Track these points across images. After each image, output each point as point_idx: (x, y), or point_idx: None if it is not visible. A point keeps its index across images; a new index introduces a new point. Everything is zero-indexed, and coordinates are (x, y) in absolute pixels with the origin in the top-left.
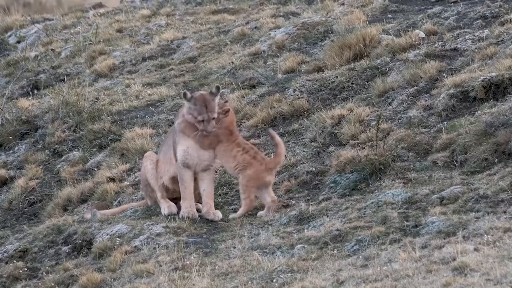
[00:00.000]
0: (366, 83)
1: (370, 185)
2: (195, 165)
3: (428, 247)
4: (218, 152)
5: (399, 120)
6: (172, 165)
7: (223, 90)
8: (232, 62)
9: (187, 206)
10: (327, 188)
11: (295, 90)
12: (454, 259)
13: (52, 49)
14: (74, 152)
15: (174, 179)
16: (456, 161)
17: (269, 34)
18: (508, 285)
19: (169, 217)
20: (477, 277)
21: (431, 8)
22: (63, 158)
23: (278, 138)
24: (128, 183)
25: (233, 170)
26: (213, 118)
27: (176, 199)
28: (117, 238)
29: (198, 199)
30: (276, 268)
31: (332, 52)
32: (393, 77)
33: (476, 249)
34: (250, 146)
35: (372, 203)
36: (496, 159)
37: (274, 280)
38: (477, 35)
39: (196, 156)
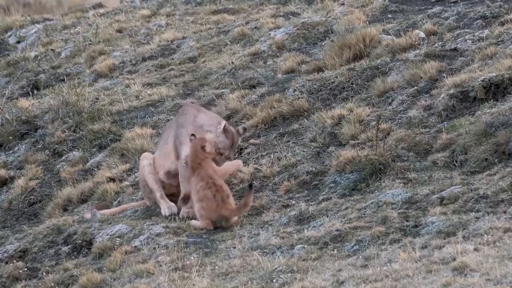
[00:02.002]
0: (366, 83)
1: (370, 185)
2: None
3: (428, 247)
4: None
5: (399, 120)
6: (167, 160)
7: (223, 90)
8: (232, 62)
9: (188, 206)
10: (327, 188)
11: (295, 90)
12: (454, 259)
13: (52, 49)
14: (74, 152)
15: (169, 174)
16: (456, 161)
17: (269, 34)
18: (508, 285)
19: (169, 217)
20: (477, 277)
21: (431, 8)
22: (63, 158)
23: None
24: (128, 183)
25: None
26: (228, 158)
27: (173, 195)
28: (117, 238)
29: None
30: (276, 268)
31: (332, 52)
32: (393, 77)
33: (476, 249)
34: None
35: (372, 203)
36: (496, 159)
37: (274, 280)
38: (477, 35)
39: None
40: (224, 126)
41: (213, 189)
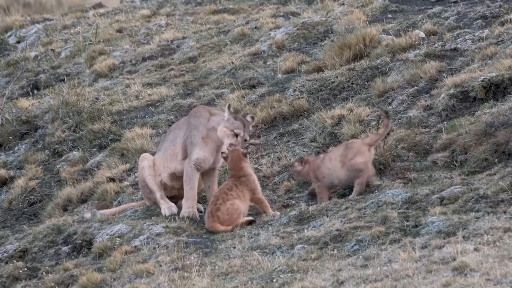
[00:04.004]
0: (366, 83)
1: (370, 185)
2: (205, 168)
3: (428, 247)
4: None
5: (399, 120)
6: (173, 161)
7: (223, 90)
8: (232, 62)
9: (189, 206)
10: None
11: (295, 90)
12: (454, 259)
13: (52, 49)
14: (74, 152)
15: (174, 176)
16: (456, 161)
17: (269, 34)
18: (508, 285)
19: (170, 217)
20: (477, 277)
21: (431, 8)
22: (63, 158)
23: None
24: (128, 183)
25: None
26: (245, 140)
27: (174, 197)
28: (117, 238)
29: (197, 199)
30: (276, 268)
31: (332, 52)
32: (393, 77)
33: (476, 249)
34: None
35: (372, 203)
36: (496, 159)
37: (274, 280)
38: (477, 35)
39: (211, 161)
40: (229, 106)
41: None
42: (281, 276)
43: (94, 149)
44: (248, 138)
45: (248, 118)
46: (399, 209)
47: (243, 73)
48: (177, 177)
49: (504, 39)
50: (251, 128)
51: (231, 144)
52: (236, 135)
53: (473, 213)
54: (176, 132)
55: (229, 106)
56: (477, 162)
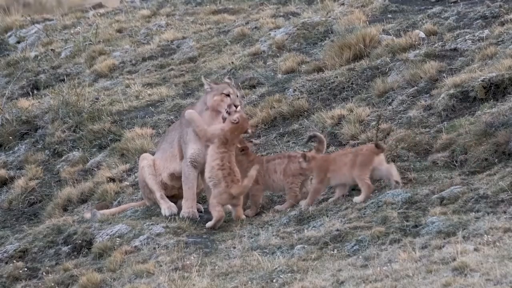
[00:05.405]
0: (366, 83)
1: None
2: (203, 164)
3: (428, 247)
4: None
5: (399, 120)
6: (172, 162)
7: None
8: (232, 62)
9: (189, 206)
10: (327, 188)
11: (295, 90)
12: (454, 259)
13: (52, 49)
14: (74, 152)
15: (173, 176)
16: (456, 161)
17: (269, 34)
18: (508, 285)
19: (170, 217)
20: (477, 277)
21: (431, 8)
22: (63, 158)
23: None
24: (128, 183)
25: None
26: (236, 106)
27: (174, 197)
28: (117, 238)
29: (197, 199)
30: (276, 268)
31: (332, 52)
32: (393, 77)
33: (476, 249)
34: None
35: (372, 203)
36: (496, 159)
37: (274, 280)
38: (477, 35)
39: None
40: (208, 81)
41: (225, 171)
42: (281, 276)
43: (94, 149)
44: (239, 95)
45: (226, 80)
46: (399, 209)
47: (243, 73)
48: (176, 177)
49: (504, 39)
50: (235, 85)
51: (229, 105)
52: (228, 95)
53: (473, 213)
54: (173, 133)
55: (205, 77)
56: (477, 162)
